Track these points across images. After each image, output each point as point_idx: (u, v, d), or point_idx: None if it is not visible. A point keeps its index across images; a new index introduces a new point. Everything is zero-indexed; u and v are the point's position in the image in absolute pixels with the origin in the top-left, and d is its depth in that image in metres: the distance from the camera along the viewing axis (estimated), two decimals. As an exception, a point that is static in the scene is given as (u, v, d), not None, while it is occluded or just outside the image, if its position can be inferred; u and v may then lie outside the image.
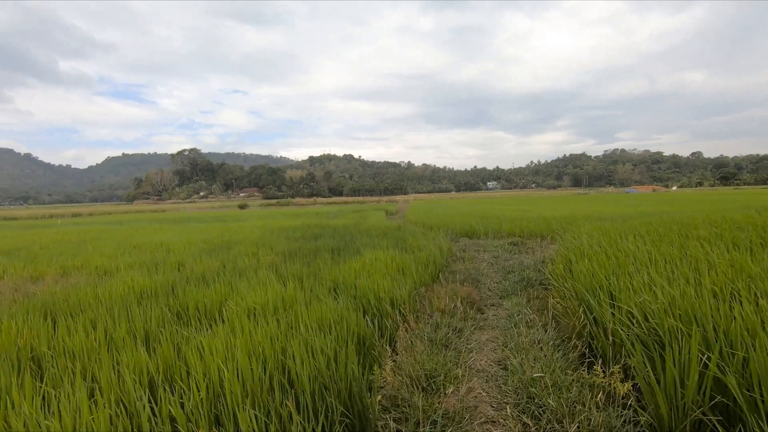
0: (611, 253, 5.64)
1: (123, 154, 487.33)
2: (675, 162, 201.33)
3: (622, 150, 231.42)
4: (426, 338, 4.14)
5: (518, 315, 5.00)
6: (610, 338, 3.35)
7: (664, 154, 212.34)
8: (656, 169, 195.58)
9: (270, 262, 8.11)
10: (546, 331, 4.32)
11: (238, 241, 11.68)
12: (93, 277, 7.20)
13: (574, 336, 3.87)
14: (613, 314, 3.56)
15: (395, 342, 4.10)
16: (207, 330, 3.76)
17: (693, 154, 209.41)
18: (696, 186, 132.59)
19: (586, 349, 3.75)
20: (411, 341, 3.98)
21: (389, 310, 4.49)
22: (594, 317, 3.88)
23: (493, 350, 4.07)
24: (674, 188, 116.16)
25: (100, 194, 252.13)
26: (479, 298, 5.81)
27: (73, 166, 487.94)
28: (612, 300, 3.98)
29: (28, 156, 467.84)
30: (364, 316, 4.19)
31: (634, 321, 3.30)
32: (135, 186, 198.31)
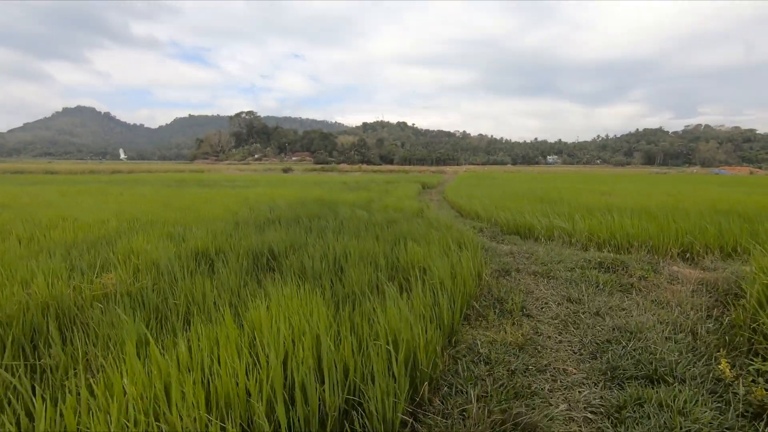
0: None
1: (189, 115, 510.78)
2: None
3: (706, 126, 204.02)
4: None
5: None
6: None
7: (757, 132, 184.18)
8: (747, 148, 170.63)
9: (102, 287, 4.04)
10: None
11: (163, 222, 7.78)
12: None
13: None
14: None
15: None
16: None
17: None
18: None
19: None
20: None
21: None
22: None
23: None
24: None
25: (168, 152, 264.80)
26: None
27: (145, 125, 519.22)
28: None
29: (107, 114, 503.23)
30: None
31: None
32: (196, 146, 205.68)
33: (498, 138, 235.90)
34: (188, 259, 5.21)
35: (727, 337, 3.43)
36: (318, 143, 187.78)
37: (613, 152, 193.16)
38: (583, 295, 4.57)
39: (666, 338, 3.49)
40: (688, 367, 2.98)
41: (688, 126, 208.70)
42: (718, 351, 3.32)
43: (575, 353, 3.41)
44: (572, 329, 3.80)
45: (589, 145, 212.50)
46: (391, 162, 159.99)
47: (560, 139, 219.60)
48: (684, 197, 14.30)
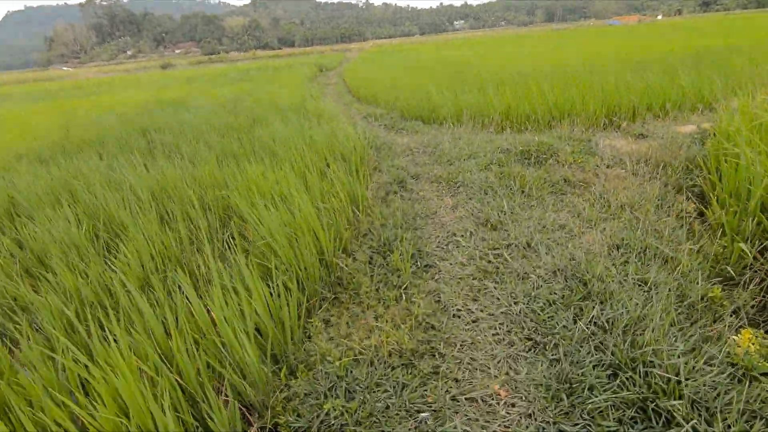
0: None
1: (25, 6, 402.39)
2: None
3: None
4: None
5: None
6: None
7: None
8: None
9: None
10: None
11: None
12: None
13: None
14: None
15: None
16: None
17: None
18: (675, 14, 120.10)
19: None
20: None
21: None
22: None
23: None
24: (659, 17, 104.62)
25: (10, 59, 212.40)
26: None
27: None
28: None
29: None
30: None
31: None
32: (47, 47, 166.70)
33: (404, 6, 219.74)
34: None
35: (731, 269, 2.16)
36: (202, 30, 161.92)
37: (516, 12, 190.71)
38: (505, 213, 3.09)
39: (636, 284, 2.16)
40: (693, 356, 1.65)
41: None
42: (713, 284, 2.07)
43: (502, 341, 1.98)
44: (493, 287, 2.35)
45: (494, 5, 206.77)
46: (292, 44, 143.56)
47: (466, 2, 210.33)
48: (593, 52, 13.25)
